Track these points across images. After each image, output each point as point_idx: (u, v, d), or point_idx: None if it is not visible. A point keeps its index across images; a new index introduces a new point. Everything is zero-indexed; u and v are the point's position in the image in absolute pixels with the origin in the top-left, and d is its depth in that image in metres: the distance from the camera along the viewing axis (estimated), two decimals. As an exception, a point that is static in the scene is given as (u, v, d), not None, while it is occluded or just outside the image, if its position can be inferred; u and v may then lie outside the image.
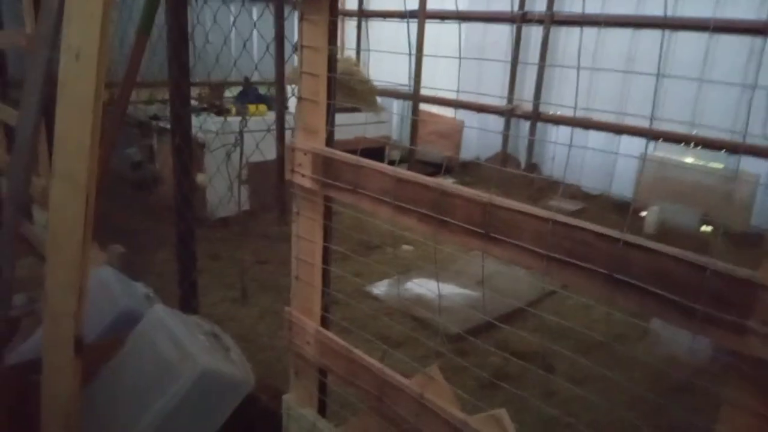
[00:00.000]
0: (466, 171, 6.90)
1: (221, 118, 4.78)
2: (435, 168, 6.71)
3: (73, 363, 1.54)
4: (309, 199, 1.73)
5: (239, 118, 4.25)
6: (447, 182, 1.37)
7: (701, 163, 5.31)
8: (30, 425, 1.75)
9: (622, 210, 5.59)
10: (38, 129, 2.45)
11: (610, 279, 1.09)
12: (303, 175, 1.70)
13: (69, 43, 1.55)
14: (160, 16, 2.31)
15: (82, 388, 2.04)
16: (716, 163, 5.27)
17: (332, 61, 1.67)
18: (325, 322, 1.83)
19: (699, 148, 5.45)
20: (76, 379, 1.56)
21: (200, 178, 4.86)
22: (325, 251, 1.81)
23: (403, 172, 1.44)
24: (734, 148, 5.29)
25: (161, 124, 5.07)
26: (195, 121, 4.79)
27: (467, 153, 7.27)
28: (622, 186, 6.02)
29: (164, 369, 1.94)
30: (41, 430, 1.67)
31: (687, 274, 1.00)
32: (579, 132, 6.38)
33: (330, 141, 1.75)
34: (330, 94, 1.72)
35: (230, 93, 5.94)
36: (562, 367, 3.00)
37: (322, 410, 1.88)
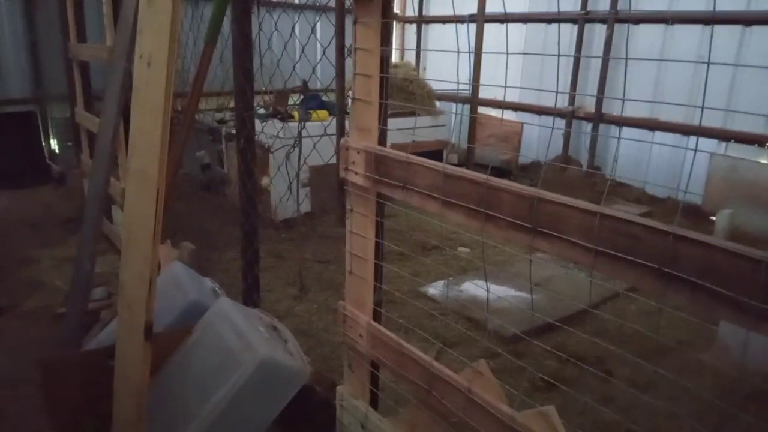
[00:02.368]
0: (526, 174, 6.80)
1: (285, 124, 4.95)
2: (493, 171, 6.63)
3: (143, 347, 1.66)
4: (361, 196, 1.78)
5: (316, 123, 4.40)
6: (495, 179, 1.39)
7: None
8: (105, 405, 1.90)
9: (691, 214, 5.34)
10: (117, 134, 2.65)
11: (661, 273, 1.08)
12: (356, 173, 1.76)
13: (141, 52, 1.68)
14: (227, 27, 2.45)
15: (154, 373, 2.20)
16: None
17: (385, 62, 1.72)
18: (377, 317, 1.88)
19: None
20: (146, 363, 1.68)
21: (265, 181, 5.05)
22: (378, 247, 1.86)
23: (450, 168, 1.47)
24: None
25: (229, 129, 5.32)
26: (260, 126, 5.03)
27: (527, 156, 7.17)
28: (691, 189, 5.75)
29: (227, 357, 2.05)
30: (114, 408, 1.80)
31: (741, 268, 0.98)
32: (645, 134, 6.15)
33: (382, 140, 1.81)
34: (383, 95, 1.77)
35: (293, 100, 6.15)
36: (622, 373, 2.92)
37: (374, 402, 1.93)
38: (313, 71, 3.77)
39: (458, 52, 1.61)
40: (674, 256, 1.05)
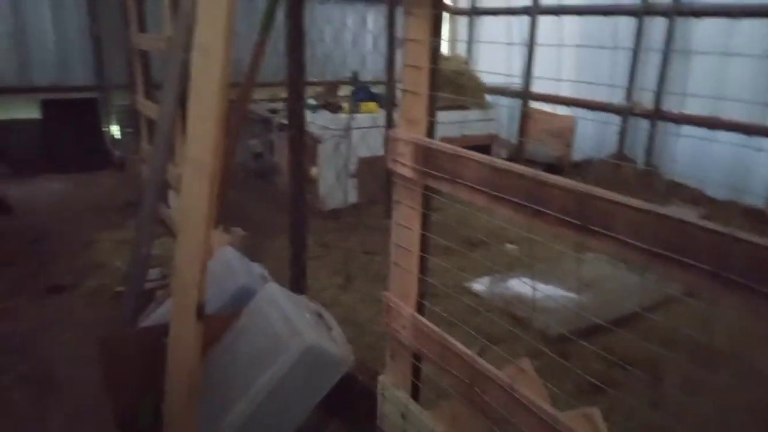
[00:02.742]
0: (578, 171, 6.63)
1: (335, 115, 5.01)
2: (544, 167, 6.52)
3: (195, 327, 1.73)
4: (408, 188, 1.79)
5: (365, 115, 4.44)
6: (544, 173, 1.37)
7: None
8: (158, 380, 1.99)
9: (753, 218, 5.09)
10: (175, 122, 2.74)
11: (714, 275, 1.04)
12: (403, 165, 1.77)
13: (199, 42, 1.74)
14: (280, 19, 2.50)
15: (204, 354, 2.28)
16: None
17: (435, 54, 1.72)
18: (420, 309, 1.89)
19: None
20: (198, 341, 1.75)
21: (313, 171, 5.13)
22: (423, 240, 1.87)
23: (499, 161, 1.46)
24: None
25: (281, 119, 5.42)
26: (311, 117, 5.10)
27: (580, 153, 6.98)
28: (755, 192, 5.47)
29: (274, 342, 2.10)
30: (167, 385, 1.89)
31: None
32: (705, 132, 5.88)
33: (431, 132, 1.81)
34: (432, 86, 1.77)
35: (344, 91, 6.21)
36: (672, 379, 2.82)
37: (415, 393, 1.94)
38: (364, 63, 3.79)
39: (509, 44, 1.58)
40: (729, 259, 1.02)
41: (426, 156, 1.69)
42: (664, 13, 6.21)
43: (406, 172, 1.77)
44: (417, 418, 1.79)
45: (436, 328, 1.72)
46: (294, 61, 2.48)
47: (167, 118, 2.65)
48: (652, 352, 2.93)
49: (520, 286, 3.62)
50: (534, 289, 3.51)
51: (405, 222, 1.84)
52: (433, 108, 1.81)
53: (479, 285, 3.66)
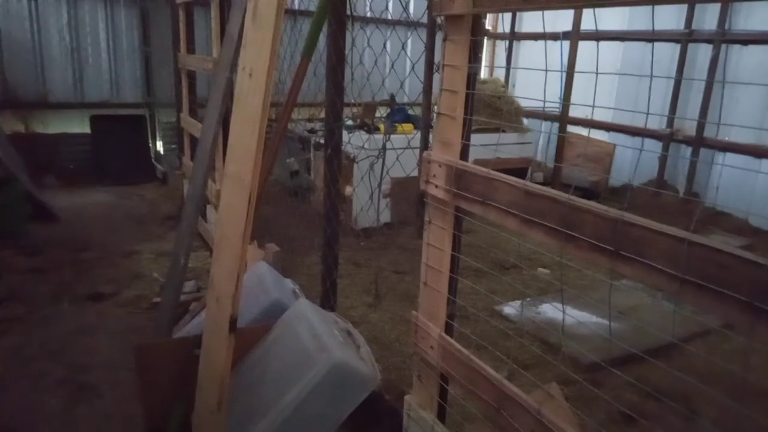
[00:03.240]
0: (615, 197, 6.52)
1: (370, 135, 5.08)
2: (580, 192, 6.43)
3: (227, 339, 1.77)
4: (440, 209, 1.81)
5: (400, 136, 4.49)
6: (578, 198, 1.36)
7: None
8: (189, 390, 2.03)
9: (801, 250, 4.90)
10: (217, 140, 2.84)
11: (752, 307, 1.02)
12: (436, 186, 1.79)
13: (244, 64, 1.81)
14: (322, 42, 2.57)
15: (234, 366, 2.32)
16: None
17: (472, 79, 1.75)
18: (449, 330, 1.89)
19: None
20: (229, 354, 1.79)
21: (348, 190, 5.20)
22: (453, 261, 1.87)
23: (531, 185, 1.47)
24: None
25: (318, 139, 5.53)
26: (347, 137, 5.19)
27: (619, 179, 6.87)
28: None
29: (303, 356, 2.13)
30: (197, 395, 1.93)
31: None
32: (751, 161, 5.73)
33: (464, 154, 1.83)
34: (468, 110, 1.80)
35: (380, 113, 6.30)
36: (708, 414, 2.73)
37: (441, 415, 1.93)
38: (402, 85, 3.86)
39: (546, 70, 1.60)
40: (766, 290, 1.00)
41: (458, 178, 1.71)
42: (709, 40, 6.12)
43: (439, 194, 1.79)
44: (442, 440, 1.78)
45: (464, 350, 1.72)
46: (333, 83, 2.55)
47: (209, 136, 2.75)
48: (688, 384, 2.84)
49: (552, 311, 3.56)
50: (564, 313, 3.45)
51: (436, 242, 1.85)
52: (467, 131, 1.83)
53: (510, 309, 3.62)
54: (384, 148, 3.06)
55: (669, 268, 1.15)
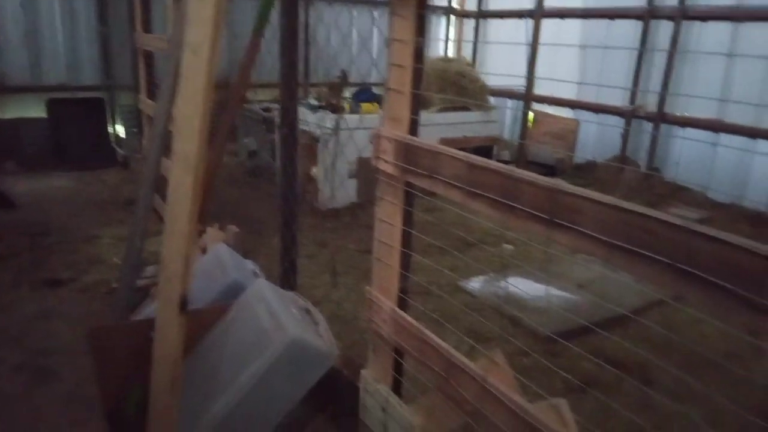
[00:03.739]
0: (580, 173, 6.63)
1: (336, 115, 5.05)
2: (546, 169, 6.52)
3: (178, 319, 1.76)
4: (390, 184, 1.82)
5: (355, 116, 4.47)
6: (518, 170, 1.38)
7: None
8: (146, 372, 2.02)
9: (756, 221, 5.06)
10: (170, 119, 2.78)
11: (676, 270, 1.06)
12: (386, 162, 1.79)
13: (188, 41, 1.77)
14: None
15: (192, 347, 2.32)
16: None
17: (419, 53, 1.74)
18: (402, 304, 1.91)
19: None
20: (180, 334, 1.78)
21: (313, 171, 5.17)
22: (406, 236, 1.89)
23: (474, 158, 1.48)
24: None
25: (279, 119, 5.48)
26: (313, 118, 5.14)
27: (583, 155, 6.98)
28: (757, 195, 5.43)
29: (260, 335, 2.13)
30: (152, 376, 1.92)
31: (757, 266, 0.95)
32: (710, 135, 5.86)
33: (414, 130, 1.83)
34: (416, 86, 1.80)
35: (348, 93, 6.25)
36: (663, 382, 2.82)
37: (396, 387, 1.96)
38: (374, 64, 3.81)
39: (507, 44, 1.60)
40: (690, 253, 1.03)
41: (407, 153, 1.72)
42: (670, 16, 6.20)
43: (389, 169, 1.79)
44: (397, 411, 1.81)
45: (415, 323, 1.74)
46: (287, 60, 2.52)
47: (163, 116, 2.70)
48: (643, 354, 2.93)
49: (515, 285, 3.63)
50: (526, 289, 3.52)
51: (387, 218, 1.86)
52: (416, 106, 1.83)
53: (473, 284, 3.67)
54: (338, 127, 3.05)
55: (599, 234, 1.18)
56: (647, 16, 6.43)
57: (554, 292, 3.58)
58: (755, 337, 1.14)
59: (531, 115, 7.18)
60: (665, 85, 6.18)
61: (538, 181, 1.31)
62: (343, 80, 5.44)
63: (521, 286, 3.62)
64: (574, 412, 2.58)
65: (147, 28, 4.56)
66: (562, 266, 3.92)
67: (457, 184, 1.53)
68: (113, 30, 6.42)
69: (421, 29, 1.75)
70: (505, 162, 6.42)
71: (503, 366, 1.48)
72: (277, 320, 2.14)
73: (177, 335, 1.77)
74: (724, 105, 5.72)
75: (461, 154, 1.53)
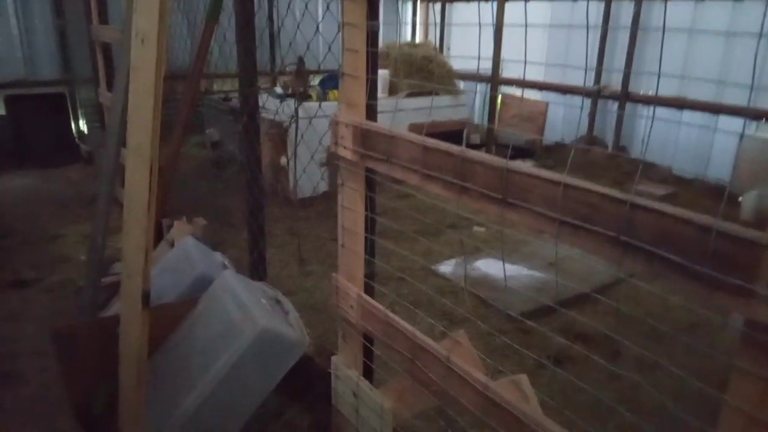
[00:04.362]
0: (550, 154, 6.70)
1: (304, 103, 5.00)
2: (517, 151, 6.58)
3: (141, 314, 1.74)
4: (351, 171, 1.81)
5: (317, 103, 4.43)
6: (471, 151, 1.39)
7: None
8: (113, 369, 2.00)
9: (718, 195, 5.19)
10: (125, 109, 2.73)
11: (618, 241, 1.08)
12: (345, 147, 1.79)
13: (136, 30, 1.74)
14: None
15: (161, 343, 2.30)
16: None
17: (372, 37, 1.73)
18: (369, 290, 1.92)
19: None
20: (144, 329, 1.76)
21: (283, 160, 5.13)
22: (370, 222, 1.89)
23: (429, 140, 1.48)
24: None
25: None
26: (278, 105, 5.08)
27: (552, 136, 7.05)
28: (719, 170, 5.57)
29: (229, 327, 2.12)
30: (119, 372, 1.90)
31: (693, 235, 0.98)
32: (673, 113, 5.97)
33: (371, 114, 1.83)
34: (370, 69, 1.79)
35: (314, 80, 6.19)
36: (631, 354, 2.90)
37: (367, 372, 1.97)
38: (331, 50, 3.79)
39: (478, 25, 1.60)
40: (631, 224, 1.05)
41: (365, 138, 1.71)
42: (632, -5, 6.26)
43: (348, 155, 1.79)
44: (367, 396, 1.82)
45: (381, 307, 1.75)
46: (243, 48, 2.48)
47: (118, 108, 2.64)
48: (611, 327, 3.01)
49: (486, 267, 3.67)
50: (498, 270, 3.56)
51: (349, 204, 1.86)
52: (373, 91, 1.83)
53: (446, 267, 3.70)
54: (296, 115, 3.03)
55: (548, 211, 1.20)
56: (610, -5, 6.49)
57: (525, 271, 3.63)
58: (708, 308, 1.17)
59: (501, 98, 7.24)
60: (629, 64, 6.26)
61: (489, 161, 1.32)
62: (300, 67, 5.39)
63: (493, 267, 3.67)
64: (545, 387, 2.64)
65: (103, 19, 4.44)
66: (532, 246, 3.97)
67: (413, 167, 1.53)
68: (71, 22, 6.23)
69: (373, 13, 1.74)
70: (476, 145, 6.46)
71: (467, 346, 1.50)
72: (246, 311, 2.13)
73: (141, 331, 1.75)
74: (687, 82, 5.82)
75: (415, 137, 1.53)
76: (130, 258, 1.79)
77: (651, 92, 6.23)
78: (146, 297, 1.75)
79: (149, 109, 1.66)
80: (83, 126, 6.54)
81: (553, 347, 2.98)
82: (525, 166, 1.25)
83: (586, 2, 6.79)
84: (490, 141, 6.41)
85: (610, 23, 6.47)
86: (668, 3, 6.05)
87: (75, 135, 6.38)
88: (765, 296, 0.89)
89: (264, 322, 2.07)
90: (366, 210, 1.86)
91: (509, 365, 2.76)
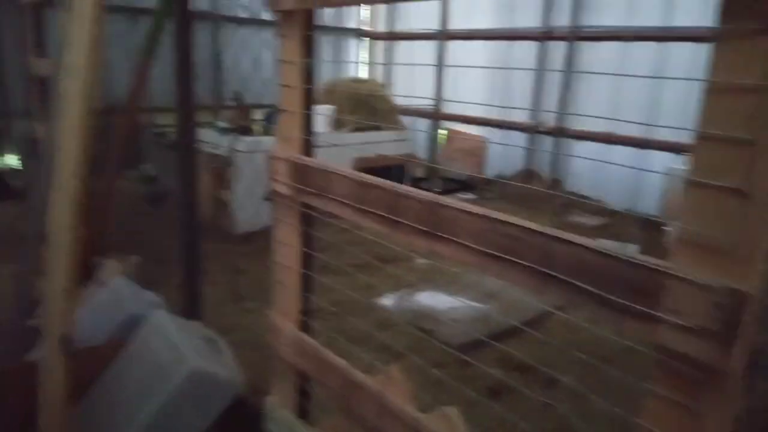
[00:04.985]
0: (490, 187, 6.89)
1: (247, 138, 4.98)
2: (459, 185, 6.74)
3: (61, 360, 1.65)
4: (286, 205, 1.81)
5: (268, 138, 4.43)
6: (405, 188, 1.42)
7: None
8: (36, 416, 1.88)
9: (647, 226, 5.45)
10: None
11: (538, 272, 1.12)
12: (281, 182, 1.79)
13: (67, 64, 1.70)
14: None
15: (89, 387, 2.18)
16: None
17: (307, 74, 1.76)
18: (307, 327, 1.89)
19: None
20: (63, 375, 1.67)
21: (225, 194, 5.06)
22: (306, 257, 1.88)
23: (363, 176, 1.51)
24: None
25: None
26: (223, 140, 5.04)
27: (492, 170, 7.27)
28: (650, 202, 5.87)
29: (159, 369, 2.04)
30: (40, 420, 1.79)
31: (604, 264, 1.02)
32: (604, 147, 6.29)
33: (307, 150, 1.84)
34: (306, 105, 1.81)
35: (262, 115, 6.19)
36: (567, 381, 2.96)
37: (304, 412, 1.93)
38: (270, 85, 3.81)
39: (411, 65, 1.65)
40: (549, 256, 1.10)
41: (300, 173, 1.72)
42: (564, 38, 6.63)
43: (283, 190, 1.79)
44: (300, 435, 1.78)
45: (315, 344, 1.73)
46: (181, 81, 2.47)
47: (49, 142, 2.55)
48: (549, 354, 3.07)
49: (428, 299, 3.70)
50: (439, 302, 3.60)
51: (285, 239, 1.85)
52: (308, 126, 1.85)
53: (387, 300, 3.71)
54: (233, 149, 3.01)
55: (474, 244, 1.23)
56: (543, 37, 6.85)
57: (466, 303, 3.68)
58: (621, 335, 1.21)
59: (444, 133, 7.44)
60: (562, 101, 6.58)
61: (419, 195, 1.35)
62: (238, 102, 5.40)
63: (434, 299, 3.70)
64: (487, 418, 2.64)
65: (40, 52, 4.31)
66: (472, 277, 4.04)
67: (347, 202, 1.55)
68: (7, 54, 6.03)
69: (308, 50, 1.77)
70: (420, 179, 6.58)
71: (400, 380, 1.49)
72: (177, 352, 2.06)
73: (62, 376, 1.66)
74: (617, 117, 6.16)
75: (350, 172, 1.55)
76: (52, 300, 1.71)
77: (584, 128, 6.54)
78: (68, 340, 1.67)
79: (76, 144, 1.61)
80: (15, 161, 6.26)
81: (492, 377, 3.01)
82: (452, 200, 1.29)
83: (522, 42, 7.13)
84: (432, 175, 6.54)
85: (546, 62, 6.81)
86: (599, 44, 6.43)
87: (6, 171, 6.09)
88: (666, 321, 0.94)
89: (195, 363, 2.01)
90: (304, 245, 1.86)
91: (448, 398, 2.75)
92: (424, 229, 1.34)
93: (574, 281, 1.05)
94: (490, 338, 3.19)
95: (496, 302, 3.55)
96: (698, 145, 0.91)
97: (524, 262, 1.13)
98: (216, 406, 2.04)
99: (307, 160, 1.72)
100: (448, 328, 3.29)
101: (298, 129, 1.79)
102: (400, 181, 1.46)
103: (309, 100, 1.82)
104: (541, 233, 1.10)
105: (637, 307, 0.97)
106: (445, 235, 1.30)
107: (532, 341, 3.35)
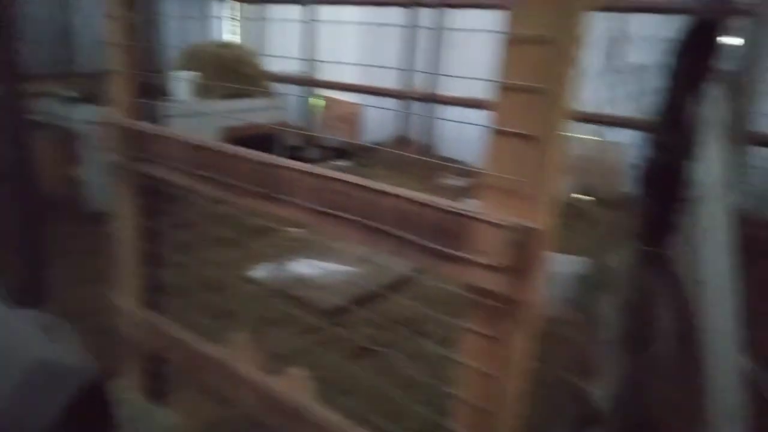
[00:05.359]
0: (365, 154, 6.95)
1: (94, 107, 4.56)
2: (336, 152, 6.72)
3: None
4: (121, 175, 1.68)
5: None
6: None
7: (577, 135, 5.61)
8: None
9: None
10: None
11: (365, 226, 1.14)
12: (111, 151, 1.65)
13: None
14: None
15: None
16: (590, 135, 5.59)
17: (132, 31, 1.62)
18: (153, 304, 1.80)
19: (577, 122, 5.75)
20: None
21: (75, 170, 4.63)
22: (151, 232, 1.77)
23: (199, 139, 1.43)
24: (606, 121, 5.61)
25: (36, 117, 4.78)
26: (69, 111, 4.58)
27: (368, 137, 7.33)
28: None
29: (-10, 364, 1.84)
30: None
31: (421, 213, 1.06)
32: (472, 112, 6.56)
33: (147, 115, 1.71)
34: (140, 66, 1.67)
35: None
36: (436, 334, 3.11)
37: (158, 393, 1.85)
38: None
39: (281, 21, 1.56)
40: (376, 209, 1.11)
41: (133, 139, 1.60)
42: (432, 4, 6.76)
43: (115, 158, 1.65)
44: (153, 416, 1.71)
45: (161, 320, 1.65)
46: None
47: None
48: (418, 312, 3.20)
49: (301, 267, 3.68)
50: (311, 269, 3.60)
51: (121, 212, 1.73)
52: (147, 89, 1.72)
53: (260, 272, 3.64)
54: (83, 119, 2.74)
55: (308, 203, 1.22)
56: (413, 4, 6.94)
57: (337, 267, 3.71)
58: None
59: (322, 100, 7.34)
60: (432, 67, 6.75)
61: (254, 157, 1.31)
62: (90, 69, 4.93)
63: (307, 266, 3.69)
64: (358, 375, 2.71)
65: None
66: (344, 243, 4.08)
67: (182, 167, 1.47)
68: None
69: (133, 4, 1.62)
70: (295, 147, 6.46)
71: (248, 346, 1.47)
72: (11, 342, 1.87)
73: None
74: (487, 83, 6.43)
75: (185, 136, 1.47)
76: None
77: (456, 94, 6.76)
78: None
79: None
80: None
81: (365, 335, 3.08)
82: (286, 161, 1.26)
83: (393, 9, 7.17)
84: (308, 142, 6.46)
85: (416, 29, 6.91)
86: (469, 10, 6.62)
87: None
88: (471, 261, 0.99)
89: (33, 354, 1.83)
90: (147, 219, 1.74)
91: (315, 362, 2.79)
92: (262, 191, 1.31)
93: (397, 232, 1.08)
94: (363, 299, 3.26)
95: (370, 263, 3.62)
96: (499, 95, 0.95)
97: (353, 217, 1.14)
98: (60, 397, 1.88)
99: (139, 125, 1.60)
100: (322, 294, 3.31)
101: (127, 92, 1.65)
102: (272, 151, 1.39)
103: (144, 60, 1.69)
104: (365, 188, 1.11)
105: (449, 250, 1.02)
106: (281, 197, 1.28)
107: (408, 296, 3.48)
